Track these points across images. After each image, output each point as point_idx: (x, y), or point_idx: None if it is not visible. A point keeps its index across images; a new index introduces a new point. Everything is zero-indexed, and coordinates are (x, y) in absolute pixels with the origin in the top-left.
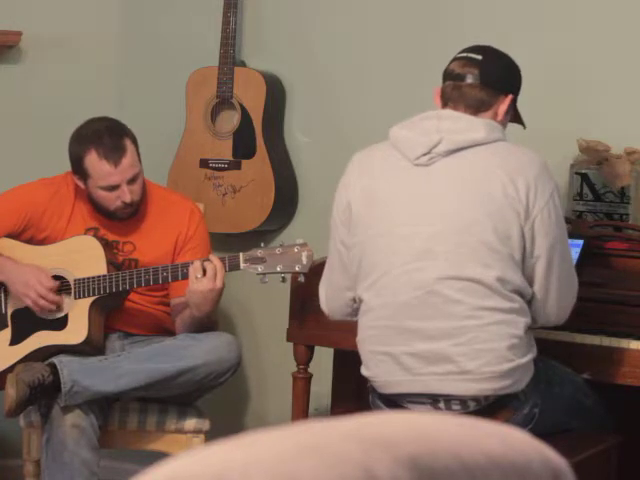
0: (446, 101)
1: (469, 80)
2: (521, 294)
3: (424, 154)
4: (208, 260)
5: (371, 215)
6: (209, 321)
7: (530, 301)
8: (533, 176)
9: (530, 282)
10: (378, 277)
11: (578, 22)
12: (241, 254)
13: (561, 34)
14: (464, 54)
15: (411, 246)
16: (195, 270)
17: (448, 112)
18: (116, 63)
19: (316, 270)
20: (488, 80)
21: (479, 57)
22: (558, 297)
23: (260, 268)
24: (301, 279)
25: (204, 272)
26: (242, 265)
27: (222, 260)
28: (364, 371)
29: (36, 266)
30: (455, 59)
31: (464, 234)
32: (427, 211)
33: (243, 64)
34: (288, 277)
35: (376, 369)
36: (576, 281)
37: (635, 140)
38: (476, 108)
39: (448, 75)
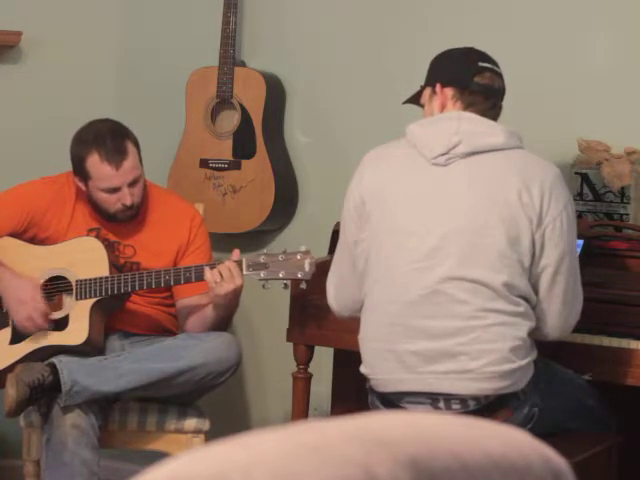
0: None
1: None
2: (527, 299)
3: (442, 154)
4: (219, 263)
5: (383, 211)
6: (232, 316)
7: (534, 308)
8: (548, 185)
9: (535, 291)
10: (386, 273)
11: (578, 22)
12: (244, 260)
13: (561, 34)
14: None
15: (421, 244)
16: (214, 276)
17: (469, 114)
18: (116, 63)
19: (317, 270)
20: None
21: None
22: (560, 310)
23: (262, 274)
24: (303, 285)
25: (221, 276)
26: (245, 271)
27: None
28: (363, 369)
29: (32, 284)
30: None
31: (476, 236)
32: (440, 211)
33: (243, 64)
34: (290, 283)
35: (377, 367)
36: (581, 298)
37: (635, 140)
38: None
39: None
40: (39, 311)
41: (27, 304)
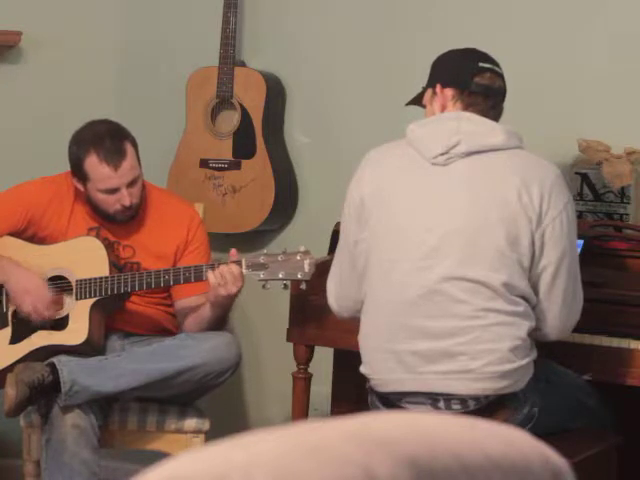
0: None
1: None
2: (526, 299)
3: (441, 154)
4: (219, 263)
5: (383, 211)
6: (228, 314)
7: (534, 308)
8: (548, 185)
9: (535, 292)
10: (385, 273)
11: (578, 22)
12: (243, 260)
13: (561, 34)
14: None
15: (421, 244)
16: (217, 278)
17: (469, 114)
18: (116, 63)
19: (317, 270)
20: None
21: None
22: (560, 310)
23: (262, 274)
24: (303, 286)
25: (223, 278)
26: (244, 271)
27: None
28: (363, 369)
29: (37, 278)
30: None
31: (475, 236)
32: (440, 210)
33: (243, 64)
34: (290, 283)
35: (377, 367)
36: (581, 298)
37: (635, 140)
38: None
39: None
40: (44, 301)
41: (31, 294)
